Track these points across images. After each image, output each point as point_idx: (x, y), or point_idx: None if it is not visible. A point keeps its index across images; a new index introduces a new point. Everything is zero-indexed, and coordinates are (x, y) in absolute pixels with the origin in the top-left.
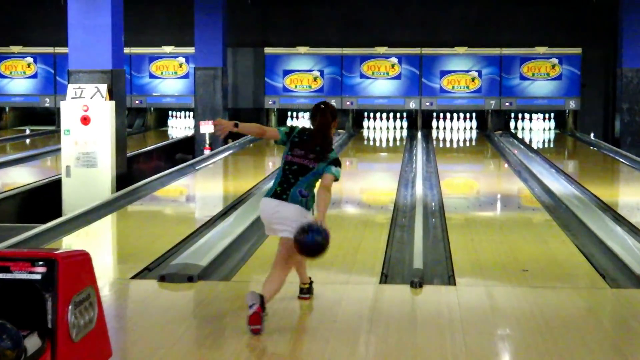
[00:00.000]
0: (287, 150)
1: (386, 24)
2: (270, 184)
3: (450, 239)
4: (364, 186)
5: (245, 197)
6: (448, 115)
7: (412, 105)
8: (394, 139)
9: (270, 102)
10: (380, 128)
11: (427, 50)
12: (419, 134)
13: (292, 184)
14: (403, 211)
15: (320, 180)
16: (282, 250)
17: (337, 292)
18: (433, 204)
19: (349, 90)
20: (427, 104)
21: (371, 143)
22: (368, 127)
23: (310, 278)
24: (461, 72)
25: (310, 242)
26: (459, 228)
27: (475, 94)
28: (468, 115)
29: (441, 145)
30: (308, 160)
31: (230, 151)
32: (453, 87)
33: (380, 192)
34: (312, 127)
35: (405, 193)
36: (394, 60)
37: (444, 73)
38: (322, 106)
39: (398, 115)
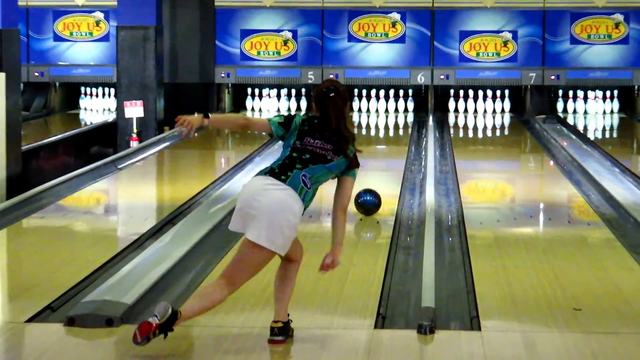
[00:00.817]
0: (293, 138)
1: None
2: (265, 166)
3: (474, 265)
4: (353, 192)
5: (187, 208)
6: (470, 93)
7: (421, 79)
8: (396, 127)
9: (222, 75)
10: (377, 111)
11: (441, 3)
12: (431, 120)
13: (297, 168)
14: (408, 227)
15: (337, 183)
16: (240, 259)
17: (316, 340)
18: (450, 216)
19: (332, 59)
20: (442, 77)
21: (363, 132)
22: (359, 110)
23: (288, 315)
24: (489, 33)
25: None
26: (486, 250)
27: (508, 64)
28: (498, 93)
29: (461, 134)
30: (325, 150)
31: (167, 143)
32: (478, 55)
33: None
34: (316, 115)
35: (411, 202)
36: (396, 16)
37: (464, 34)
38: (332, 94)
39: (401, 93)
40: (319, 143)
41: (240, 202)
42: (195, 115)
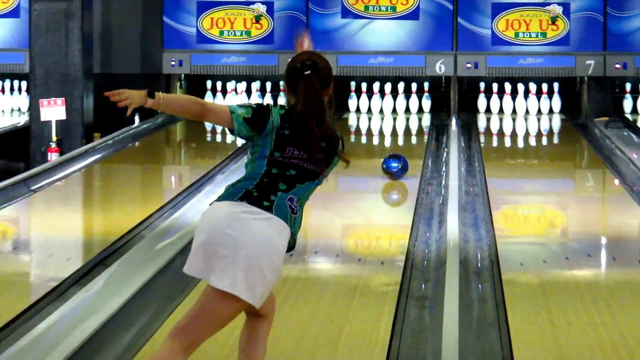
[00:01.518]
0: (269, 147)
1: None
2: (231, 182)
3: (511, 322)
4: (350, 221)
5: (125, 244)
6: (507, 87)
7: (441, 68)
8: (407, 132)
9: (172, 63)
10: (380, 112)
11: None
12: (454, 124)
13: (280, 190)
14: (423, 269)
15: None
16: (200, 313)
17: None
18: (479, 255)
19: (320, 41)
20: (468, 66)
21: (363, 140)
22: (357, 110)
23: None
24: (532, 6)
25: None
26: (528, 301)
27: (557, 48)
28: (545, 87)
29: (495, 143)
30: (313, 164)
31: (97, 156)
32: (516, 35)
33: (380, 232)
34: (295, 104)
35: (427, 235)
36: None
37: (499, 8)
38: (307, 71)
39: (414, 87)
40: (306, 155)
41: (203, 235)
42: (137, 92)
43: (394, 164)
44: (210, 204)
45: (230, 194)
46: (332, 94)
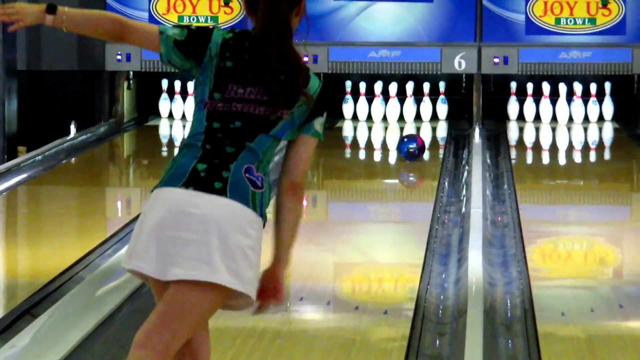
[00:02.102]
0: (209, 84)
1: None
2: (176, 162)
3: None
4: (344, 259)
5: (57, 288)
6: (545, 88)
7: (461, 64)
8: (417, 146)
9: (117, 58)
10: (384, 119)
11: None
12: (477, 135)
13: (230, 157)
14: (437, 321)
15: (287, 151)
16: (172, 313)
17: None
18: (509, 302)
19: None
20: (496, 61)
21: (361, 154)
22: (354, 117)
23: None
24: None
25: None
26: None
27: (610, 38)
28: (594, 88)
29: (529, 159)
30: (264, 105)
31: (23, 175)
32: (557, 22)
33: (382, 272)
34: (252, 28)
35: (442, 277)
36: None
37: None
38: None
39: (426, 89)
40: (253, 93)
41: (153, 219)
42: (35, 7)
43: (411, 146)
44: (151, 190)
45: (173, 176)
46: (305, 15)
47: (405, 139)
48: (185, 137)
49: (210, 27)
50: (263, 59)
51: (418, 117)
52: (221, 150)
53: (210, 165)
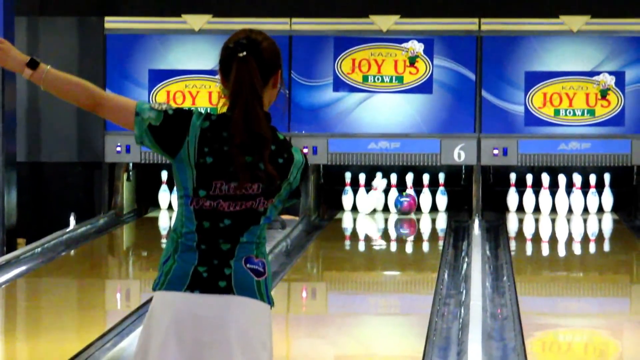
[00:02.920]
0: (190, 180)
1: None
2: (167, 262)
3: None
4: (344, 351)
5: None
6: (545, 179)
7: (460, 155)
8: (417, 237)
9: (117, 149)
10: (384, 209)
11: (492, 24)
12: (477, 227)
13: (227, 254)
14: None
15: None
16: None
17: None
18: None
19: (306, 120)
20: (496, 152)
21: (360, 247)
22: (354, 208)
23: None
24: (576, 75)
25: None
26: None
27: (609, 129)
28: (593, 179)
29: (528, 251)
30: (250, 199)
31: (22, 268)
32: (556, 113)
33: None
34: (227, 107)
35: None
36: (416, 47)
37: (534, 79)
38: (242, 52)
39: (425, 180)
40: (234, 187)
41: (168, 325)
42: (19, 56)
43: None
44: (155, 291)
45: (175, 279)
46: (282, 87)
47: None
48: (176, 228)
49: (188, 111)
50: (242, 148)
51: (417, 209)
52: (217, 249)
53: (210, 267)
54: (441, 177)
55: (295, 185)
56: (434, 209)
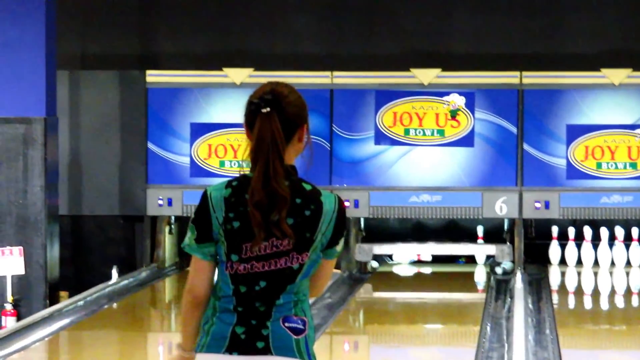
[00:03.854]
0: (223, 246)
1: (435, 24)
2: (207, 323)
3: None
4: None
5: None
6: (587, 232)
7: (502, 208)
8: (458, 289)
9: (159, 203)
10: (428, 262)
11: (533, 78)
12: (519, 280)
13: (265, 315)
14: None
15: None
16: None
17: None
18: None
19: (347, 173)
20: (538, 205)
21: (399, 297)
22: (390, 259)
23: None
24: (618, 128)
25: None
26: None
27: None
28: (636, 232)
29: (571, 304)
30: (282, 255)
31: (65, 320)
32: (599, 167)
33: None
34: (250, 165)
35: None
36: (458, 100)
37: (576, 132)
38: (266, 108)
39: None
40: (268, 247)
41: None
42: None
43: None
44: (197, 353)
45: (214, 342)
46: (309, 141)
47: None
48: (215, 292)
49: (203, 196)
50: (266, 208)
51: (461, 260)
52: (254, 311)
53: (248, 328)
54: (481, 230)
55: (329, 234)
56: (474, 261)
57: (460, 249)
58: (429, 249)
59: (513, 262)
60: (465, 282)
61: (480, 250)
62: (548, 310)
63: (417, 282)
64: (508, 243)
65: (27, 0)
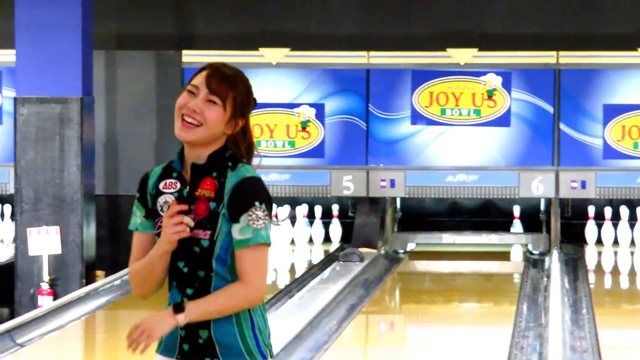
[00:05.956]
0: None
1: (471, 4)
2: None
3: None
4: None
5: None
6: (624, 212)
7: (539, 188)
8: (495, 270)
9: None
10: (463, 244)
11: (570, 57)
12: (556, 259)
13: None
14: None
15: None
16: None
17: None
18: None
19: (383, 153)
20: (574, 185)
21: (438, 279)
22: (436, 242)
23: None
24: None
25: None
26: None
27: None
28: None
29: (608, 284)
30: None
31: (102, 300)
32: (635, 146)
33: None
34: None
35: None
36: (494, 80)
37: (612, 111)
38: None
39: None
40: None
41: None
42: (160, 315)
43: None
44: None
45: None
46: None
47: None
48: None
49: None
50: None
51: (495, 242)
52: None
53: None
54: (517, 210)
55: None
56: (507, 242)
57: (495, 239)
58: (465, 239)
59: (549, 246)
60: (502, 261)
61: (516, 240)
62: (584, 290)
63: (453, 261)
64: (544, 232)
65: None
